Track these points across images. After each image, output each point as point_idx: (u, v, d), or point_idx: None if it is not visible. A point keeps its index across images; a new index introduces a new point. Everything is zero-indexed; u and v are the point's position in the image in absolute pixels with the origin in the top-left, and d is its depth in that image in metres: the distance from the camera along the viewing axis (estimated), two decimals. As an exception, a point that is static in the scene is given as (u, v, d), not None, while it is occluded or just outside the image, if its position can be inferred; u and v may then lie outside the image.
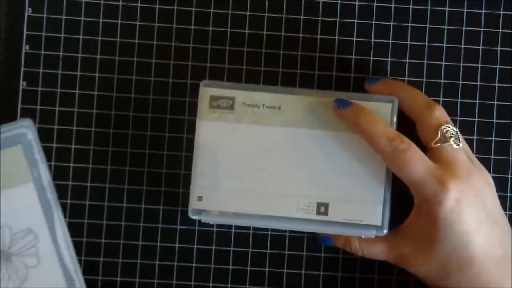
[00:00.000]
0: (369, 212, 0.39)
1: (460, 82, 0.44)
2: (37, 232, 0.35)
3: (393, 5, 0.44)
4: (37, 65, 0.44)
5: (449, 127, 0.38)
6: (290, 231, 0.43)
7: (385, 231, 0.39)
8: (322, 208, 0.40)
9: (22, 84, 0.44)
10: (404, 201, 0.40)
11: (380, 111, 0.39)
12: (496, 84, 0.44)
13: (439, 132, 0.38)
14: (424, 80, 0.44)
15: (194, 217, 0.40)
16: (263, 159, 0.40)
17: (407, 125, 0.40)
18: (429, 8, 0.44)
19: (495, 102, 0.44)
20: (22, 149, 0.35)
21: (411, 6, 0.44)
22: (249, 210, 0.40)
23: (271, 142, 0.40)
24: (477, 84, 0.44)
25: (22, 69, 0.44)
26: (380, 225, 0.39)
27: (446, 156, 0.38)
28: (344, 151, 0.40)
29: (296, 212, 0.40)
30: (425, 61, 0.44)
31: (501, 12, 0.44)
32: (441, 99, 0.43)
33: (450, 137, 0.38)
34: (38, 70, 0.44)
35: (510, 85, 0.44)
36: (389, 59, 0.44)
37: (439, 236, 0.37)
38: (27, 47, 0.44)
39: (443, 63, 0.44)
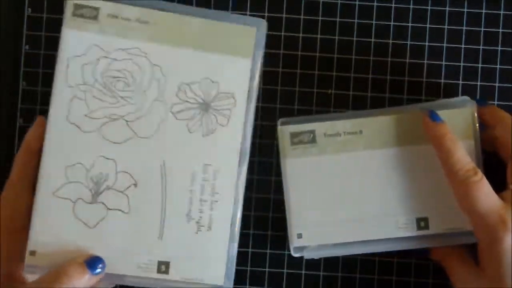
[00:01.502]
0: None
1: (460, 82, 0.44)
2: (237, 100, 0.39)
3: (393, 5, 0.44)
4: (37, 65, 0.44)
5: None
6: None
7: None
8: (422, 223, 0.39)
9: (22, 84, 0.44)
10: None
11: (460, 115, 0.39)
12: (496, 84, 0.44)
13: None
14: (424, 80, 0.44)
15: (297, 255, 0.40)
16: (354, 185, 0.40)
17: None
18: (429, 8, 0.44)
19: (495, 102, 0.44)
20: (255, 31, 0.39)
21: (411, 6, 0.44)
22: (349, 238, 0.40)
23: (358, 167, 0.40)
24: (477, 84, 0.44)
25: (22, 69, 0.44)
26: None
27: None
28: (430, 162, 0.39)
29: (397, 231, 0.39)
30: (425, 61, 0.44)
31: (501, 12, 0.44)
32: (441, 99, 0.43)
33: None
34: (38, 70, 0.44)
35: (510, 85, 0.44)
36: (389, 59, 0.44)
37: (506, 274, 0.36)
38: (27, 47, 0.44)
39: (443, 63, 0.44)
